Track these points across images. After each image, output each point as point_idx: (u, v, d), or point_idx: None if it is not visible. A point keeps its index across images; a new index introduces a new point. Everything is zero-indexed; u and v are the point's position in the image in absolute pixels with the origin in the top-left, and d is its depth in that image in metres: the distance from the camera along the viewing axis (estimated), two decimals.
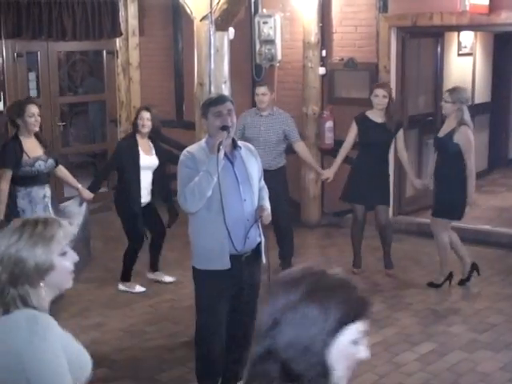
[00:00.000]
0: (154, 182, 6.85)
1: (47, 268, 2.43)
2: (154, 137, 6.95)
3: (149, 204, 6.88)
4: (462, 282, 7.03)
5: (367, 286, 7.04)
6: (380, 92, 7.05)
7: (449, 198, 6.85)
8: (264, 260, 4.70)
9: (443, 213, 6.95)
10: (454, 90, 6.91)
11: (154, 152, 6.87)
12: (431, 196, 7.34)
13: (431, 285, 7.02)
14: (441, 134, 6.91)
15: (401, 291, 6.90)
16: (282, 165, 7.39)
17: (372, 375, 5.21)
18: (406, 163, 7.46)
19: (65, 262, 2.50)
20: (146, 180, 6.77)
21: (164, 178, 7.01)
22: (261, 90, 7.38)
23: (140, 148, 6.75)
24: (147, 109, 6.82)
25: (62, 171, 6.60)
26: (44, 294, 2.46)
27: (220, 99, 4.55)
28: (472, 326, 6.04)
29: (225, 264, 4.43)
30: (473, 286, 7.03)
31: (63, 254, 2.49)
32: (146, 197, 6.79)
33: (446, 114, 6.88)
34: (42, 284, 2.44)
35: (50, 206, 6.17)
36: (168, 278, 7.18)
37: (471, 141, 6.72)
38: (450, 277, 7.00)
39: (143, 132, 6.75)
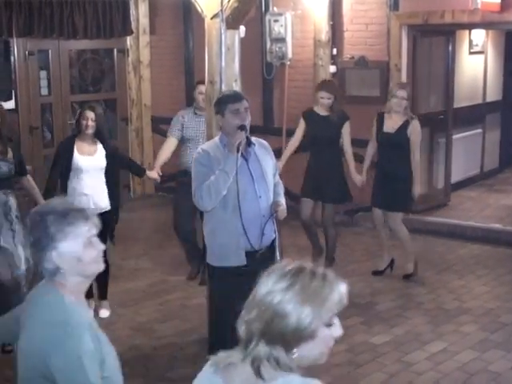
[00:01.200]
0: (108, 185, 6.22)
1: (308, 334, 1.99)
2: (101, 137, 6.23)
3: (107, 212, 6.10)
4: (406, 277, 7.18)
5: (378, 284, 7.04)
6: (324, 94, 7.08)
7: (404, 192, 7.02)
8: (278, 257, 4.69)
9: (401, 207, 7.15)
10: (406, 86, 7.17)
11: (100, 153, 6.16)
12: (439, 195, 7.33)
13: (406, 277, 7.16)
14: (389, 129, 7.01)
15: (411, 290, 6.89)
16: None
17: (382, 374, 5.20)
18: (350, 159, 7.34)
19: (329, 333, 2.06)
20: (91, 183, 6.08)
21: (111, 181, 6.25)
22: (203, 88, 6.64)
23: (78, 149, 6.10)
24: (92, 108, 6.17)
25: (30, 182, 6.00)
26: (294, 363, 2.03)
27: (237, 96, 4.54)
28: (483, 326, 6.02)
29: (241, 260, 4.42)
30: (484, 284, 7.01)
31: (330, 324, 2.06)
32: (98, 203, 6.04)
33: (398, 111, 6.96)
34: (295, 351, 2.01)
35: (13, 216, 5.65)
36: (104, 313, 6.36)
37: (421, 134, 7.06)
38: (392, 263, 7.29)
39: (87, 133, 6.09)
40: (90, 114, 6.10)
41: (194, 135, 6.89)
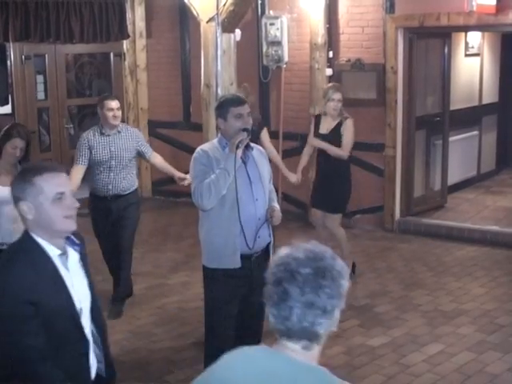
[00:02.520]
0: None
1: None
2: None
3: None
4: None
5: (376, 286, 7.05)
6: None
7: (342, 193, 7.15)
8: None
9: (339, 208, 7.21)
10: (340, 88, 7.14)
11: None
12: (436, 197, 7.33)
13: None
14: (324, 130, 7.03)
15: (409, 292, 6.89)
16: (136, 187, 6.52)
17: (379, 376, 5.21)
18: (279, 161, 7.23)
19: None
20: (8, 217, 4.91)
21: None
22: (113, 103, 6.30)
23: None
24: (20, 134, 5.17)
25: None
26: None
27: (240, 100, 4.54)
28: (480, 327, 6.02)
29: (236, 263, 4.42)
30: (481, 286, 7.02)
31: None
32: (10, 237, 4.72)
33: (334, 114, 6.96)
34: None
35: None
36: None
37: (353, 133, 7.11)
38: (353, 267, 7.26)
39: (11, 161, 5.15)
40: (21, 143, 5.13)
41: (104, 158, 6.21)
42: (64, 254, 2.88)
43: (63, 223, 2.83)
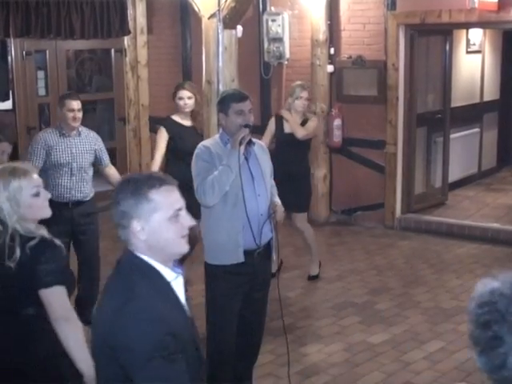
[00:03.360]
0: None
1: None
2: None
3: None
4: (311, 278, 7.17)
5: (376, 284, 7.05)
6: (185, 94, 6.48)
7: (306, 191, 7.17)
8: (274, 257, 4.70)
9: (306, 206, 7.20)
10: (306, 86, 7.08)
11: None
12: (436, 194, 7.31)
13: (311, 278, 7.15)
14: (288, 130, 6.95)
15: (409, 289, 6.89)
16: (93, 194, 6.14)
17: (380, 373, 5.21)
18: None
19: None
20: None
21: None
22: (75, 104, 5.95)
23: None
24: (8, 138, 5.37)
25: None
26: None
27: (242, 96, 4.53)
28: None
29: (239, 258, 4.42)
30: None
31: None
32: None
33: (301, 111, 6.95)
34: None
35: None
36: None
37: (316, 128, 7.22)
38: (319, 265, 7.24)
39: None
40: (8, 148, 5.20)
41: (65, 160, 5.85)
42: (177, 277, 2.51)
43: (179, 245, 2.47)
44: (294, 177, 6.85)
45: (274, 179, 6.55)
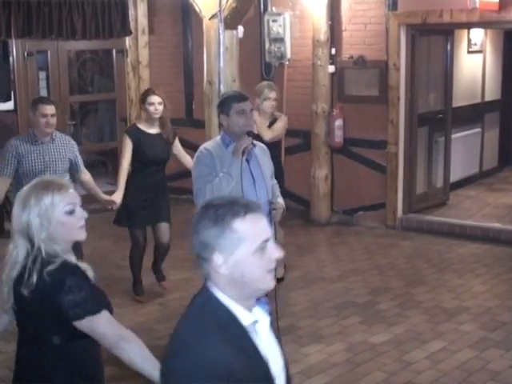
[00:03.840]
0: None
1: None
2: None
3: None
4: (277, 281, 7.01)
5: (378, 283, 7.05)
6: (155, 99, 6.27)
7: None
8: None
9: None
10: (274, 87, 6.96)
11: None
12: (438, 194, 7.29)
13: (278, 281, 6.96)
14: (256, 130, 6.71)
15: (411, 289, 6.89)
16: None
17: (381, 373, 5.21)
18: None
19: None
20: None
21: None
22: (48, 109, 5.65)
23: None
24: None
25: None
26: None
27: (242, 96, 4.56)
28: (482, 324, 6.02)
29: None
30: (483, 283, 7.02)
31: None
32: None
33: (270, 111, 6.86)
34: None
35: None
36: None
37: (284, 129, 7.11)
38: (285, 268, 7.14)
39: None
40: None
41: (38, 169, 5.56)
42: (256, 322, 2.19)
43: (265, 280, 2.16)
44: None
45: None
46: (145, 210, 6.43)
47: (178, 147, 6.61)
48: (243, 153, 4.38)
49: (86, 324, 2.86)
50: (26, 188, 2.92)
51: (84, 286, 2.87)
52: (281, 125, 6.97)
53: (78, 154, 5.91)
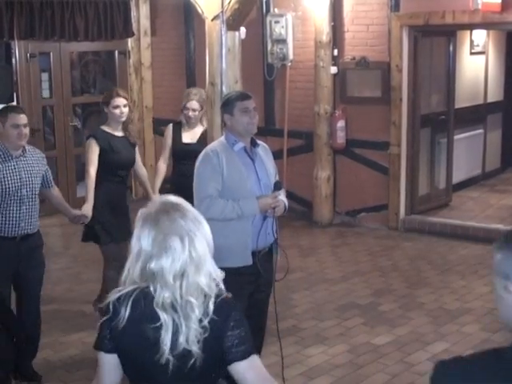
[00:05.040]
0: None
1: None
2: None
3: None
4: None
5: (380, 285, 7.04)
6: (121, 101, 5.81)
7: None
8: (278, 256, 4.70)
9: None
10: (202, 93, 6.49)
11: None
12: (440, 195, 7.27)
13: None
14: (188, 139, 6.39)
15: (413, 291, 6.88)
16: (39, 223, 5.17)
17: (384, 375, 5.20)
18: (146, 182, 6.29)
19: None
20: None
21: None
22: (21, 118, 4.93)
23: None
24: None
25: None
26: None
27: (246, 95, 4.57)
28: (485, 326, 6.02)
29: (247, 260, 4.43)
30: (486, 285, 7.01)
31: None
32: None
33: (195, 121, 6.39)
34: None
35: None
36: None
37: None
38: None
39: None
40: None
41: (14, 187, 4.86)
42: None
43: None
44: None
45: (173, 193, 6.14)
46: (116, 223, 5.84)
47: (136, 154, 6.11)
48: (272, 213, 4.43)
49: (246, 365, 2.48)
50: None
51: (244, 321, 2.58)
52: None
53: (48, 168, 5.21)
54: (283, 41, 9.11)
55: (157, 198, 2.58)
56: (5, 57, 9.36)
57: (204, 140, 6.31)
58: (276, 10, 9.28)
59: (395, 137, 8.70)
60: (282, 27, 9.08)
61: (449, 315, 6.27)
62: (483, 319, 6.16)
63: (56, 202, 5.39)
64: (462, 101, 10.08)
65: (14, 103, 9.16)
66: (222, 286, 2.60)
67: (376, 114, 8.78)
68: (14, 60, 9.33)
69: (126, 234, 5.55)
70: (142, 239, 2.37)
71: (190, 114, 6.35)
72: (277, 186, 4.50)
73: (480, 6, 7.69)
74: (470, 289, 6.92)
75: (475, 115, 10.67)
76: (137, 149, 6.10)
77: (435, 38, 9.14)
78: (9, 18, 8.71)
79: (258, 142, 4.66)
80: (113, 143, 5.83)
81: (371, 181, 8.94)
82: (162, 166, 6.53)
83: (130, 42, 10.42)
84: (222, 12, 6.72)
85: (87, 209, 5.60)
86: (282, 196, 4.68)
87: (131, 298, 2.38)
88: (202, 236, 2.47)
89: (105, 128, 5.91)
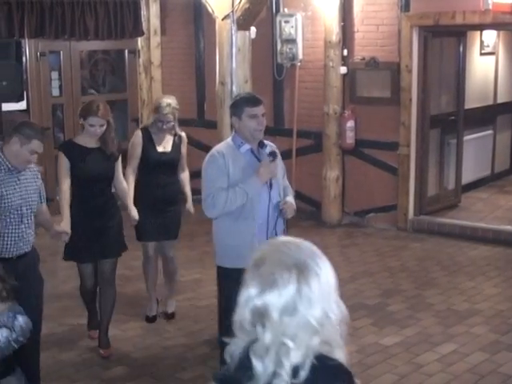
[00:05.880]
0: None
1: None
2: None
3: None
4: (169, 316, 6.38)
5: (389, 285, 7.04)
6: (97, 121, 5.30)
7: (180, 216, 6.21)
8: None
9: (178, 232, 6.26)
10: (173, 102, 5.97)
11: None
12: (449, 196, 7.24)
13: (171, 316, 6.35)
14: (161, 148, 5.99)
15: (422, 291, 6.87)
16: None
17: (392, 375, 5.20)
18: (127, 196, 5.80)
19: None
20: None
21: None
22: (41, 146, 4.64)
23: None
24: None
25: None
26: None
27: (256, 101, 4.54)
28: (494, 327, 6.00)
29: None
30: (495, 286, 6.99)
31: None
32: None
33: (167, 128, 5.95)
34: None
35: None
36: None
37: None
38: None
39: None
40: None
41: (15, 203, 4.49)
42: None
43: None
44: (169, 201, 6.01)
45: (146, 206, 5.87)
46: (90, 242, 5.43)
47: (118, 168, 5.60)
48: (270, 182, 4.44)
49: None
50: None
51: None
52: (185, 152, 6.22)
53: (42, 182, 4.80)
54: (293, 41, 9.11)
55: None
56: (15, 55, 9.38)
57: (177, 148, 6.05)
58: (286, 9, 9.27)
59: (404, 137, 8.69)
60: (292, 27, 9.07)
61: (457, 316, 6.26)
62: (492, 321, 6.15)
63: (43, 219, 4.92)
64: (471, 101, 10.05)
65: (25, 102, 9.19)
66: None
67: (385, 115, 8.77)
68: (24, 58, 9.36)
69: (97, 254, 5.47)
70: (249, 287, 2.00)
71: (164, 126, 5.92)
72: (271, 154, 4.48)
73: (490, 7, 7.67)
74: (479, 290, 6.90)
75: (485, 116, 10.64)
76: (119, 162, 5.57)
77: (445, 39, 9.13)
78: (19, 17, 8.74)
79: (266, 142, 4.65)
80: (82, 155, 5.36)
81: (380, 181, 8.93)
82: (132, 177, 5.96)
83: (140, 41, 10.44)
84: (232, 12, 6.76)
85: (65, 225, 5.21)
86: (290, 198, 4.69)
87: None
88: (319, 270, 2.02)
89: (76, 139, 5.52)
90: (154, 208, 5.97)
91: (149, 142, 5.97)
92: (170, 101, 5.96)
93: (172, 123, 5.95)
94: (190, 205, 6.23)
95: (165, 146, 6.01)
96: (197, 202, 10.13)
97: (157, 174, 5.96)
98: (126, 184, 5.75)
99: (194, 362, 5.46)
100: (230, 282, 4.54)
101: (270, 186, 4.49)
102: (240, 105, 4.51)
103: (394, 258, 7.89)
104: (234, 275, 4.49)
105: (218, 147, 4.60)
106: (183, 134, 6.16)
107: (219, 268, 4.59)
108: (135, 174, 6.03)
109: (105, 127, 5.35)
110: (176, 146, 6.05)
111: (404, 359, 5.44)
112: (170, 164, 6.04)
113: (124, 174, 5.79)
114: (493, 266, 7.57)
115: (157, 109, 5.96)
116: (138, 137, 6.01)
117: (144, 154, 5.96)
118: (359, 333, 5.93)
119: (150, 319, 6.25)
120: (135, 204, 5.88)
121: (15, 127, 4.58)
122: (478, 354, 5.52)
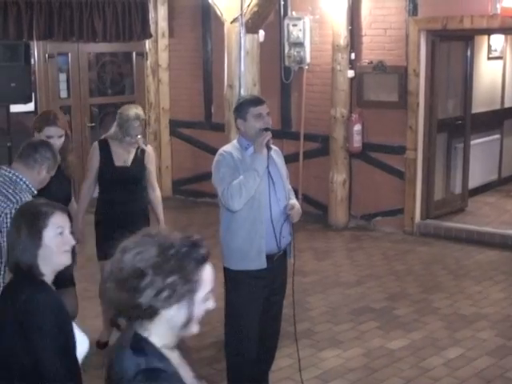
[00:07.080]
0: None
1: None
2: None
3: None
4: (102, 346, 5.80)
5: (395, 289, 7.03)
6: (55, 132, 4.86)
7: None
8: (292, 260, 4.70)
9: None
10: (141, 114, 5.59)
11: None
12: (456, 201, 7.24)
13: (102, 345, 5.79)
14: (121, 162, 5.54)
15: (428, 295, 6.87)
16: None
17: (398, 379, 5.20)
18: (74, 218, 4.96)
19: None
20: None
21: None
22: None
23: None
24: None
25: None
26: None
27: (259, 100, 4.56)
28: (500, 332, 6.00)
29: (262, 263, 4.42)
30: (501, 290, 6.98)
31: None
32: None
33: (134, 142, 5.54)
34: None
35: None
36: None
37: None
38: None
39: None
40: None
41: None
42: None
43: None
44: (131, 221, 5.21)
45: (106, 226, 5.47)
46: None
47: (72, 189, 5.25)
48: (267, 147, 4.39)
49: None
50: None
51: None
52: (153, 167, 5.82)
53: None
54: (300, 44, 9.11)
55: None
56: (24, 57, 9.40)
57: (139, 163, 5.59)
58: (294, 13, 9.28)
59: (411, 141, 8.69)
60: (300, 30, 9.08)
61: (464, 321, 6.26)
62: (498, 325, 6.14)
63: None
64: (478, 106, 10.05)
65: (33, 103, 9.21)
66: None
67: (392, 118, 8.77)
68: (32, 60, 9.37)
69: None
70: None
71: (133, 140, 5.52)
72: (266, 129, 4.46)
73: (499, 11, 7.67)
74: (486, 294, 6.89)
75: (492, 120, 10.63)
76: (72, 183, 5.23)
77: (453, 43, 9.12)
78: (28, 19, 8.77)
79: (271, 145, 4.66)
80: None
81: (387, 185, 8.93)
82: (87, 192, 5.60)
83: (148, 43, 10.47)
84: (241, 15, 6.75)
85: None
86: (295, 201, 4.69)
87: None
88: None
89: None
90: (113, 226, 5.22)
91: (106, 155, 5.54)
92: (138, 112, 5.55)
93: (140, 136, 5.56)
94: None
95: (125, 160, 5.55)
96: (203, 204, 10.15)
97: (115, 190, 5.53)
98: (76, 206, 5.36)
99: (200, 365, 5.44)
100: (237, 284, 4.56)
101: (273, 182, 4.49)
102: (244, 106, 4.52)
103: (401, 261, 7.88)
104: (242, 277, 4.53)
105: (225, 148, 4.61)
106: (148, 148, 5.72)
107: (226, 270, 4.60)
108: (93, 189, 5.66)
109: (63, 139, 4.87)
110: (138, 160, 5.58)
111: (410, 363, 5.44)
112: (129, 180, 5.56)
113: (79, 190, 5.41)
114: (499, 270, 7.56)
115: (125, 121, 5.47)
116: (95, 149, 5.61)
117: (100, 168, 5.55)
118: (366, 336, 5.93)
119: None
120: (96, 221, 5.59)
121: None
122: (484, 358, 5.52)
